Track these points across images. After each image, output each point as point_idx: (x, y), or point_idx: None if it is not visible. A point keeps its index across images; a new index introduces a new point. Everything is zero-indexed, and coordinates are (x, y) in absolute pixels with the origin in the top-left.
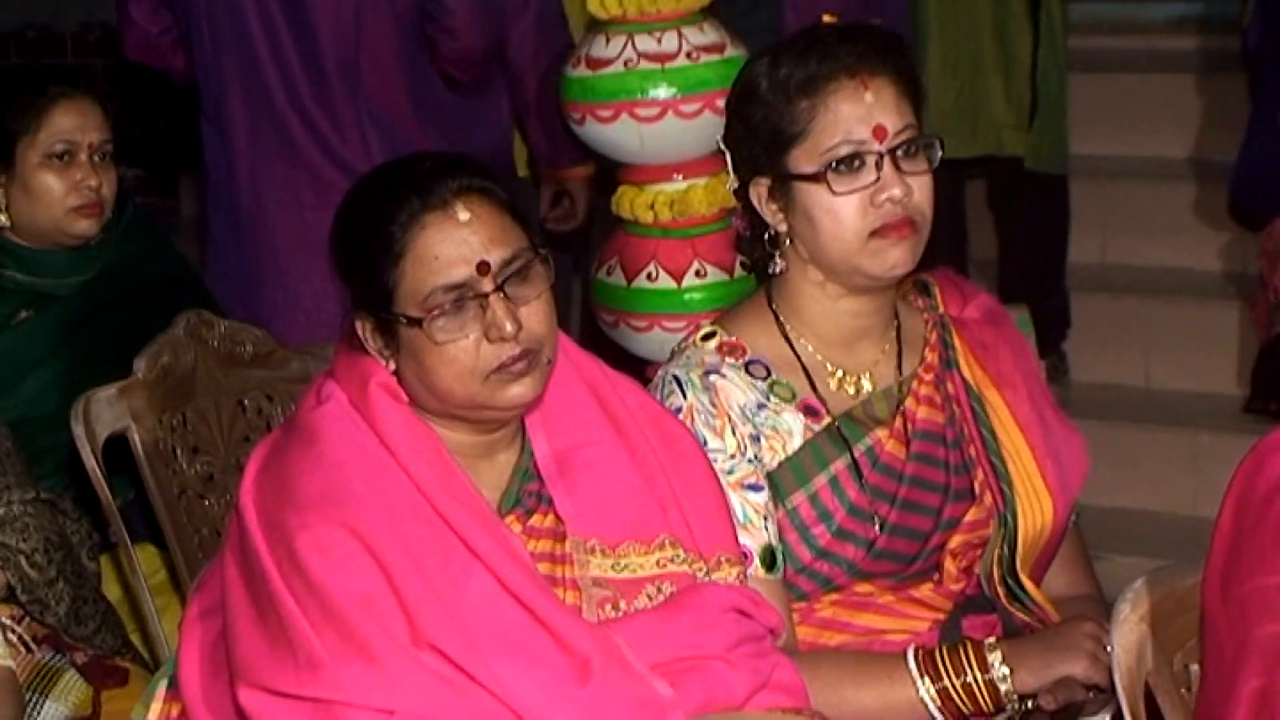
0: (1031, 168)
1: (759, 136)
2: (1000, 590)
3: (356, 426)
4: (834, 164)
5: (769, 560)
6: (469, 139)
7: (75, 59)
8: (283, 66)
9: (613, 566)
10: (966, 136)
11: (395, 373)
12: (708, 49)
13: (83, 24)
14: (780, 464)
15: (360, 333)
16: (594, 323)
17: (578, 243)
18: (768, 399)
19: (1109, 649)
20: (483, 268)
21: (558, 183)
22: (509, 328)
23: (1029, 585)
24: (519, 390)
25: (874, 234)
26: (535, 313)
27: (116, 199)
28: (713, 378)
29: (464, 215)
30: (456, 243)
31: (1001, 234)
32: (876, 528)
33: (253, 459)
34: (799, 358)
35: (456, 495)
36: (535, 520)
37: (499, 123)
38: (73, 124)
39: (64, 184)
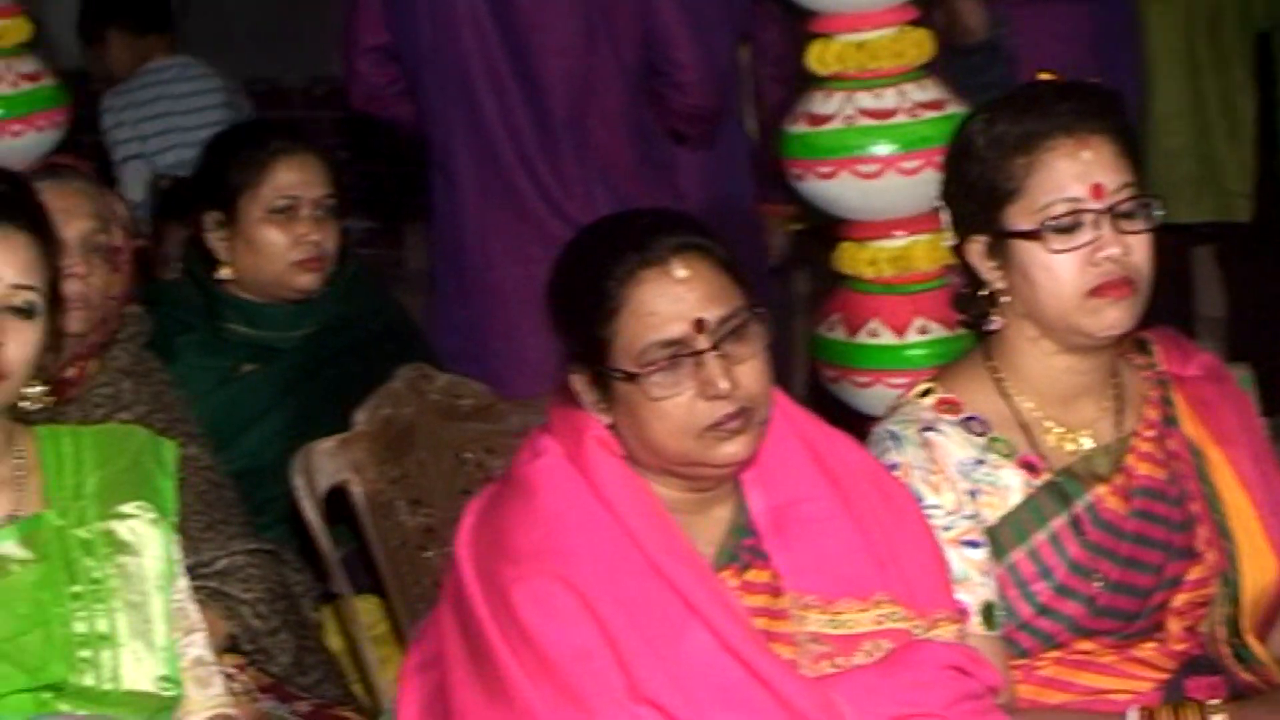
0: None
1: (975, 193)
2: (1225, 650)
3: (572, 480)
4: (1051, 222)
5: (988, 617)
6: (696, 195)
7: (302, 112)
8: (509, 120)
9: (830, 623)
10: (1191, 201)
11: (610, 427)
12: (929, 105)
13: (311, 78)
14: (999, 520)
15: (575, 386)
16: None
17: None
18: (986, 455)
19: None
20: (699, 325)
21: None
22: (724, 386)
23: (1254, 645)
24: (733, 449)
25: (1092, 293)
26: (750, 371)
27: (339, 252)
28: (930, 434)
29: (681, 272)
30: (673, 299)
31: (1230, 292)
32: (1098, 585)
33: (468, 512)
34: (1017, 414)
35: (673, 550)
36: (751, 575)
37: (729, 178)
38: (295, 179)
39: (286, 239)
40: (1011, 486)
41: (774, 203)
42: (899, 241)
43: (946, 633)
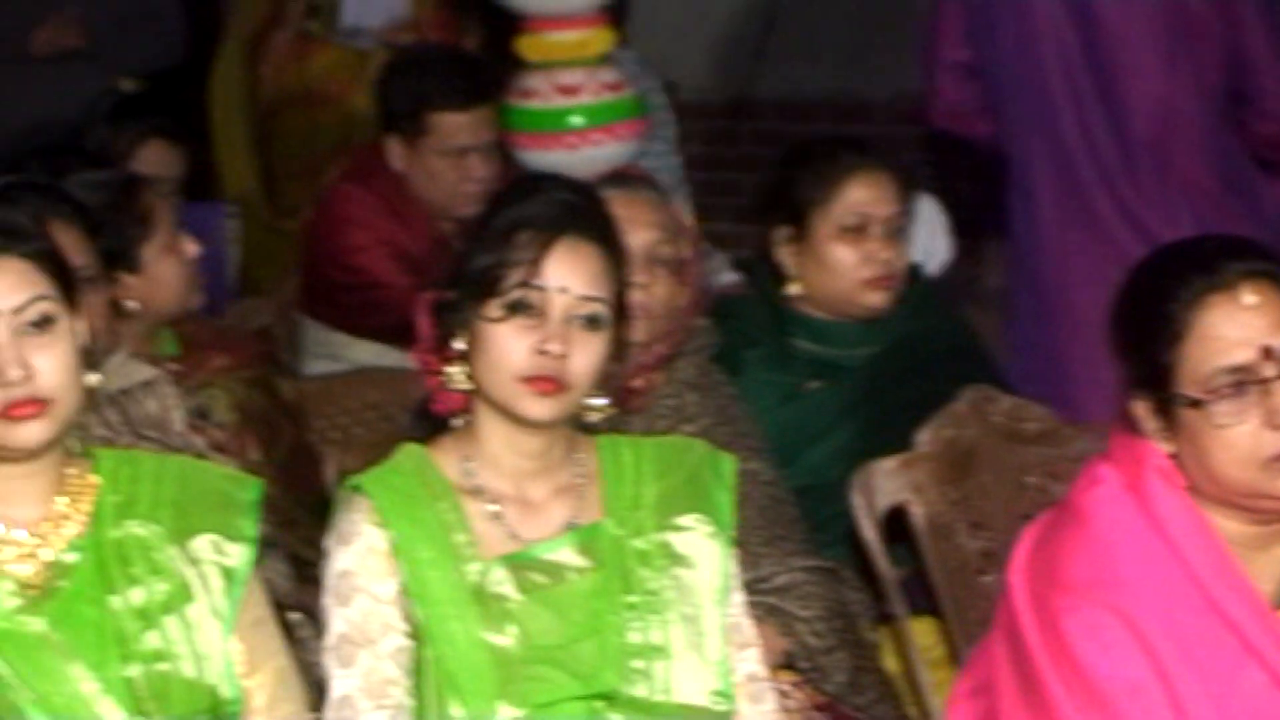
0: None
1: None
2: None
3: (1129, 510)
4: None
5: None
6: None
7: (884, 127)
8: (1090, 141)
9: None
10: None
11: (1172, 456)
12: None
13: (894, 92)
14: None
15: (1137, 413)
16: None
17: None
18: None
19: None
20: (1266, 353)
21: None
22: None
23: None
24: None
25: None
26: None
27: (910, 270)
28: None
29: (1249, 299)
30: (1239, 325)
31: None
32: None
33: (1023, 538)
34: None
35: (1233, 586)
36: None
37: None
38: (867, 196)
39: (856, 256)
40: None
41: None
42: None
43: None
